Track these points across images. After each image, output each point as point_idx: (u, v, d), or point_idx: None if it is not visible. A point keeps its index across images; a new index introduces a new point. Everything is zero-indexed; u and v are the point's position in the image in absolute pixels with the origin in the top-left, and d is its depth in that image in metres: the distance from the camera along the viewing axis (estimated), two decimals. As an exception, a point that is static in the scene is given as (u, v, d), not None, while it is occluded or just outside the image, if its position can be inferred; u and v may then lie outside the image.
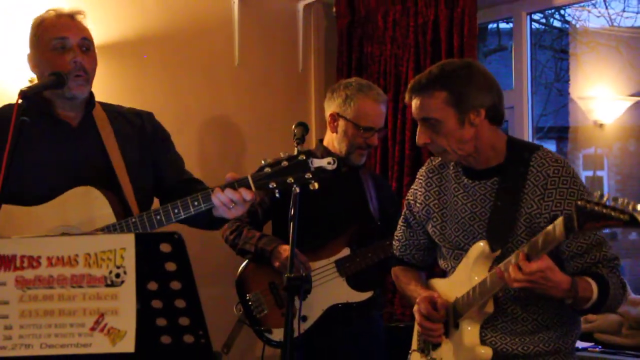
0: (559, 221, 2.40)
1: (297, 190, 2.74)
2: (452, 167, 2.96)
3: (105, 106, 3.16)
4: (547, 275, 2.49)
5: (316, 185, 2.70)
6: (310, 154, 2.72)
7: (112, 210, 2.93)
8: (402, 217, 3.14)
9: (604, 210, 2.23)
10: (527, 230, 2.70)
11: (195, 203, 2.85)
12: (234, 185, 2.77)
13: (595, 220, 2.27)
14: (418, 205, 3.03)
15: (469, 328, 2.78)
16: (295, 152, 2.73)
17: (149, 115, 3.27)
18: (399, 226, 3.16)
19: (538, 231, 2.56)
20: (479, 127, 2.77)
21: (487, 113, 2.77)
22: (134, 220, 2.90)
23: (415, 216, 3.06)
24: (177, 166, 3.21)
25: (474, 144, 2.79)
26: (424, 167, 3.08)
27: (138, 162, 3.10)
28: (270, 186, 2.74)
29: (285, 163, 2.72)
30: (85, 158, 3.03)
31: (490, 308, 2.75)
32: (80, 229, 2.90)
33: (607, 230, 2.48)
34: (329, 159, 2.69)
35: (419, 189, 3.04)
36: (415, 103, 2.81)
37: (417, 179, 3.08)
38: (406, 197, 3.13)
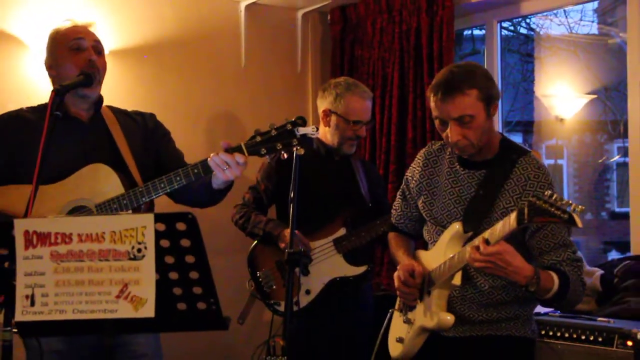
0: (514, 212, 2.46)
1: (285, 156, 2.75)
2: (448, 154, 2.97)
3: (112, 107, 3.16)
4: (505, 258, 2.53)
5: (302, 150, 2.71)
6: (296, 124, 2.72)
7: (120, 182, 2.93)
8: (400, 190, 3.15)
9: (550, 208, 2.35)
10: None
11: (195, 170, 2.85)
12: (229, 150, 2.77)
13: (541, 215, 2.38)
14: (414, 181, 3.04)
15: (439, 296, 2.83)
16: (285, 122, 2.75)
17: (151, 114, 3.26)
18: (397, 198, 3.17)
19: None
20: (491, 117, 2.82)
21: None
22: (140, 189, 2.91)
23: (410, 191, 3.07)
24: (177, 157, 3.19)
25: (488, 135, 2.82)
26: (424, 150, 3.08)
27: (142, 152, 3.10)
28: (262, 152, 2.75)
29: (274, 132, 2.74)
30: (96, 147, 3.03)
31: (457, 281, 2.78)
32: (93, 201, 2.91)
33: None
34: (313, 127, 2.72)
35: (417, 168, 3.04)
36: (447, 104, 2.73)
37: (416, 159, 3.08)
38: (405, 174, 3.13)
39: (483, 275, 2.78)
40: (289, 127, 2.71)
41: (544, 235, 2.72)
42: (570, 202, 2.33)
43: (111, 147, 3.02)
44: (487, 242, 2.54)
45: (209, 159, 2.79)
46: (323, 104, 3.81)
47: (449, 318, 2.79)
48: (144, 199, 2.91)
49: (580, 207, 2.31)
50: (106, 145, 3.03)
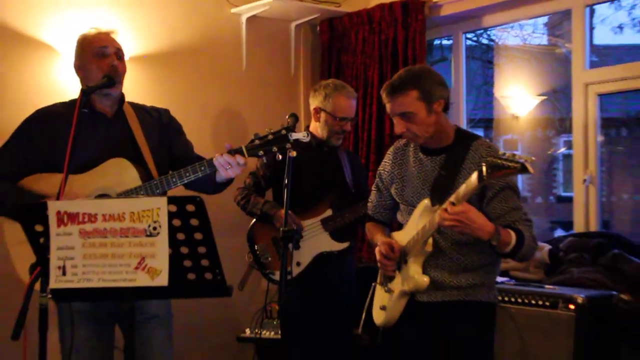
0: (475, 173, 2.48)
1: (279, 157, 2.75)
2: (412, 147, 2.99)
3: (132, 104, 3.15)
4: (469, 216, 2.56)
5: (294, 153, 2.73)
6: (289, 129, 2.73)
7: (138, 175, 2.93)
8: (374, 185, 3.15)
9: (505, 162, 2.36)
10: None
11: (202, 168, 2.86)
12: (231, 152, 2.78)
13: (498, 169, 2.39)
14: (386, 173, 3.05)
15: (414, 263, 2.84)
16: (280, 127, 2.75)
17: (166, 110, 3.25)
18: (372, 192, 3.18)
19: (469, 199, 2.62)
20: (439, 114, 2.83)
21: (444, 103, 2.84)
22: (155, 182, 2.91)
23: (383, 182, 3.07)
24: (187, 148, 3.19)
25: (435, 127, 2.84)
26: (392, 147, 3.10)
27: (157, 145, 3.09)
28: (259, 154, 2.76)
29: (270, 136, 2.74)
30: (118, 140, 3.02)
31: (429, 247, 2.81)
32: (115, 190, 2.91)
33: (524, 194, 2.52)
34: (304, 133, 2.74)
35: (387, 162, 3.06)
36: (392, 103, 2.82)
37: (386, 155, 3.10)
38: (377, 170, 3.14)
39: (450, 245, 2.81)
40: (284, 132, 2.72)
41: (499, 201, 2.75)
42: (521, 154, 2.35)
43: (131, 140, 3.02)
44: (453, 204, 2.57)
45: (214, 159, 2.80)
46: (314, 102, 3.80)
47: (425, 279, 2.81)
48: (157, 191, 2.92)
49: (531, 158, 2.34)
50: (127, 139, 3.02)
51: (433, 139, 2.86)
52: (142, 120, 3.10)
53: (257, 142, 2.76)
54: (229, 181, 3.00)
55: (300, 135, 2.74)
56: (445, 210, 2.58)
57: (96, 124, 2.99)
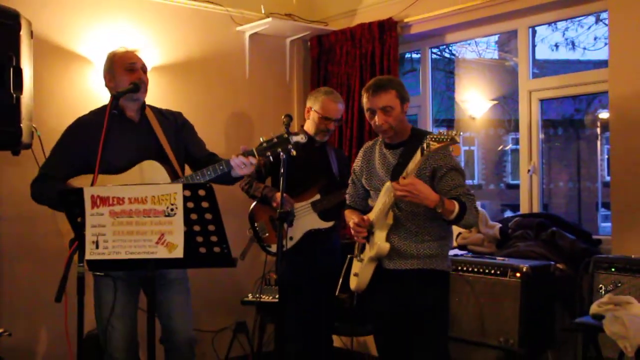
0: (419, 150, 2.59)
1: (283, 156, 2.84)
2: (377, 145, 3.04)
3: (151, 107, 3.15)
4: (417, 187, 2.62)
5: (294, 152, 2.78)
6: (290, 134, 2.79)
7: (167, 175, 2.94)
8: (350, 179, 3.18)
9: (441, 137, 2.52)
10: (416, 176, 2.74)
11: (221, 167, 2.89)
12: (245, 154, 2.82)
13: (435, 142, 2.52)
14: (358, 167, 3.10)
15: (379, 232, 2.87)
16: (282, 132, 2.81)
17: (179, 113, 3.25)
18: (349, 185, 3.20)
19: (423, 179, 2.73)
20: (404, 114, 2.92)
21: (407, 106, 2.93)
22: (181, 180, 2.92)
23: (356, 175, 3.11)
24: (201, 146, 3.19)
25: (402, 124, 2.91)
26: (362, 148, 3.15)
27: (175, 143, 3.09)
28: (267, 154, 2.82)
29: (275, 140, 2.80)
30: (146, 143, 3.02)
31: (390, 220, 2.85)
32: None
33: (469, 182, 2.58)
34: (302, 136, 2.78)
35: (359, 159, 3.11)
36: (376, 98, 2.86)
37: (358, 154, 3.15)
38: (352, 167, 3.17)
39: (409, 218, 2.84)
40: (285, 136, 2.79)
41: (446, 180, 2.79)
42: (453, 132, 2.49)
43: (156, 143, 3.02)
44: (404, 178, 2.64)
45: (231, 160, 2.86)
46: (308, 103, 3.79)
47: (387, 245, 2.84)
48: None
49: (459, 133, 2.49)
50: (153, 142, 3.02)
51: (397, 134, 2.90)
52: (162, 123, 3.09)
53: (264, 144, 2.82)
54: (242, 177, 3.06)
55: (299, 137, 2.79)
56: (398, 182, 2.64)
57: (126, 130, 3.00)
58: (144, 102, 3.08)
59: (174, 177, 2.95)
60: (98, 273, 2.87)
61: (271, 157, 2.82)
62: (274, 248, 3.72)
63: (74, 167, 2.94)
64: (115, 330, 2.92)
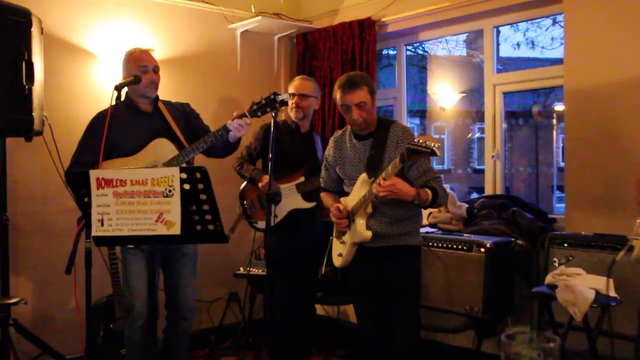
0: (398, 156, 2.54)
1: (273, 115, 2.96)
2: (347, 135, 2.99)
3: (163, 101, 3.21)
4: (397, 187, 2.61)
5: (282, 109, 2.90)
6: (276, 94, 2.89)
7: (175, 148, 3.04)
8: (323, 165, 3.15)
9: (420, 148, 2.41)
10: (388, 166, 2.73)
11: (219, 132, 2.98)
12: (240, 116, 2.94)
13: (415, 153, 2.45)
14: (330, 157, 3.06)
15: (359, 220, 2.85)
16: (269, 94, 2.94)
17: (187, 104, 3.32)
18: (322, 170, 3.17)
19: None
20: (374, 106, 2.87)
21: (376, 99, 2.89)
22: (187, 149, 3.00)
23: (329, 162, 3.08)
24: (206, 130, 3.21)
25: (372, 116, 2.87)
26: (332, 137, 3.09)
27: (185, 130, 3.17)
28: (258, 114, 2.91)
29: (263, 101, 2.92)
30: (158, 130, 3.08)
31: (369, 209, 2.83)
32: (160, 162, 2.98)
33: (439, 167, 2.57)
34: (286, 94, 2.91)
35: (331, 149, 3.06)
36: (351, 95, 2.78)
37: (329, 143, 3.09)
38: (324, 154, 3.13)
39: (384, 204, 2.82)
40: (272, 96, 2.88)
41: (416, 167, 2.78)
42: (430, 141, 2.39)
43: (168, 129, 3.08)
44: (384, 179, 2.61)
45: (227, 124, 2.94)
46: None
47: (369, 233, 2.83)
48: (191, 155, 3.01)
49: (438, 144, 2.39)
50: (164, 128, 3.09)
51: (367, 126, 2.86)
52: (173, 113, 3.17)
53: (254, 107, 2.89)
54: (238, 141, 3.12)
55: (284, 95, 2.86)
56: (379, 184, 2.62)
57: (141, 120, 3.08)
58: (157, 97, 3.15)
59: (181, 149, 3.04)
60: (130, 246, 2.95)
61: (259, 135, 2.94)
62: (260, 225, 3.71)
63: (99, 154, 2.98)
64: (139, 284, 3.01)
